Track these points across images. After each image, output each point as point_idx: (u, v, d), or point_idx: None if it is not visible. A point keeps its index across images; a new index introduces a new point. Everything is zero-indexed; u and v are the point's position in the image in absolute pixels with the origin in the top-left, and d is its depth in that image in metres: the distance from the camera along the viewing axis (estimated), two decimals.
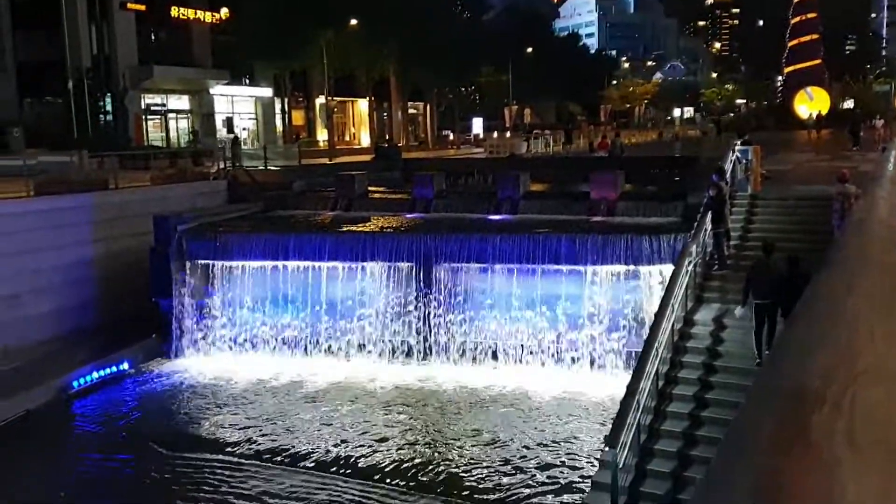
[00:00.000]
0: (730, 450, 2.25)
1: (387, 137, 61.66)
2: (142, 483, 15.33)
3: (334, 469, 15.40)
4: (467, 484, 14.55)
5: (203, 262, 22.64)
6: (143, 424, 18.32)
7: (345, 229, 23.16)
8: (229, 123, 53.51)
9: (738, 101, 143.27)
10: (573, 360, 19.94)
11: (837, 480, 1.64)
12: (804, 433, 1.88)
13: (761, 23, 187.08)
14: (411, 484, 14.62)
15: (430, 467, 15.29)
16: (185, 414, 18.71)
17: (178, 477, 15.40)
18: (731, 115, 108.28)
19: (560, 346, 20.07)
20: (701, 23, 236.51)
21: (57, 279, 22.32)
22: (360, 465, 15.51)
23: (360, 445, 16.41)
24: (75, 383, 19.77)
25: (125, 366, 21.25)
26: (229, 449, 16.50)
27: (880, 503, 1.55)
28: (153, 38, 49.30)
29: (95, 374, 20.33)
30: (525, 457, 15.54)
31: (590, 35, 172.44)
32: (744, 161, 21.36)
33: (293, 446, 16.50)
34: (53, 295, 22.21)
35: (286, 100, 59.04)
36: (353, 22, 50.44)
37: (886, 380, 2.35)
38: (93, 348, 21.36)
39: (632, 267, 19.35)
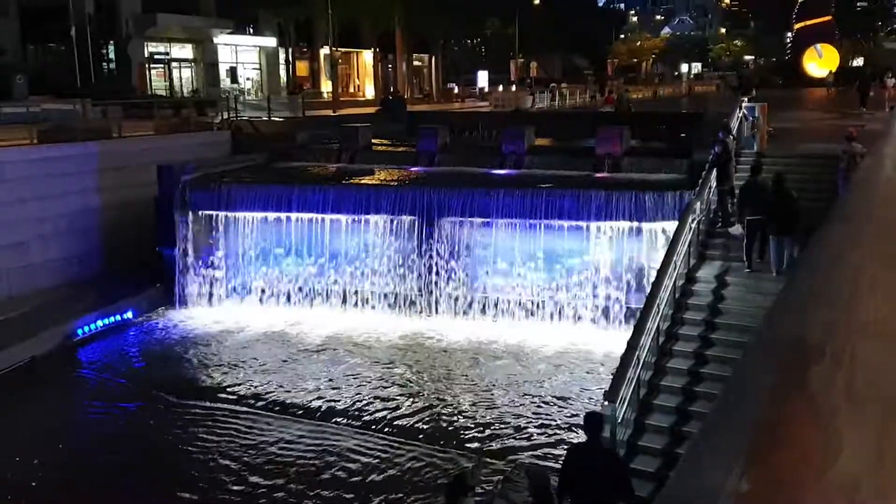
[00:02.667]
0: (728, 400, 2.28)
1: (392, 89, 61.13)
2: (144, 429, 15.51)
3: (335, 419, 15.58)
4: (467, 436, 14.71)
5: (207, 212, 22.64)
6: (145, 372, 18.49)
7: (348, 182, 23.12)
8: (233, 73, 53.08)
9: (747, 57, 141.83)
10: (575, 315, 20.02)
11: (833, 430, 1.66)
12: (803, 385, 1.91)
13: None
14: (411, 435, 14.79)
15: (431, 419, 15.46)
16: (188, 362, 18.87)
17: (181, 424, 15.58)
18: (737, 71, 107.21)
19: (562, 302, 20.14)
20: None
21: (62, 227, 22.38)
22: (360, 415, 15.68)
23: (361, 396, 16.57)
24: (80, 331, 19.94)
25: (129, 314, 21.40)
26: (231, 397, 16.68)
27: (874, 453, 1.58)
28: None
29: (100, 322, 20.49)
30: (524, 410, 15.70)
31: None
32: (750, 118, 21.26)
33: (295, 396, 16.67)
34: (59, 243, 22.30)
35: (290, 50, 58.47)
36: None
37: (886, 335, 2.37)
38: (97, 297, 21.48)
39: (635, 223, 19.32)
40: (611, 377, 11.88)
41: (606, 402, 11.17)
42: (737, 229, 15.84)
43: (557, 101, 52.81)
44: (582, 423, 9.80)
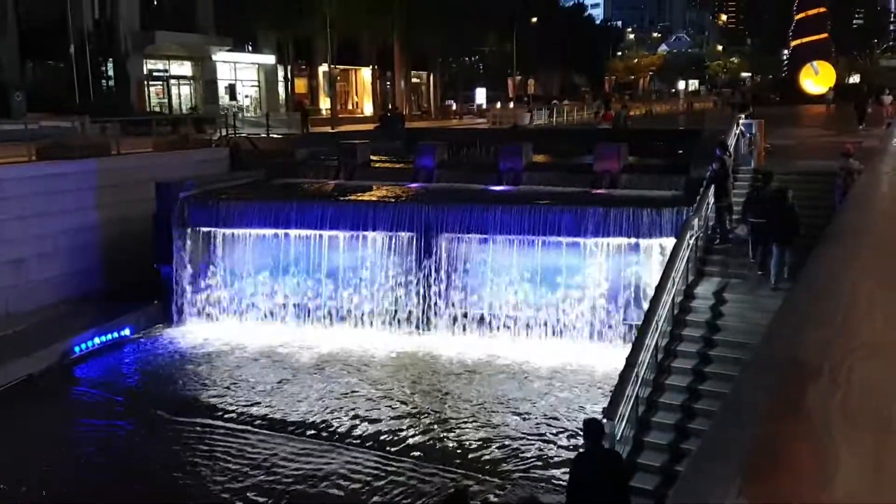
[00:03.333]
0: (726, 418, 2.28)
1: (390, 106, 61.29)
2: (139, 447, 15.44)
3: (331, 436, 15.51)
4: (463, 454, 14.65)
5: (204, 229, 22.63)
6: (142, 389, 18.44)
7: (346, 198, 23.16)
8: (232, 90, 53.21)
9: (744, 74, 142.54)
10: (572, 332, 19.99)
11: (830, 449, 1.66)
12: (799, 404, 1.91)
13: None
14: (407, 453, 14.72)
15: (427, 437, 15.40)
16: (185, 379, 18.81)
17: (177, 441, 15.51)
18: (737, 88, 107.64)
19: (559, 318, 20.11)
20: None
21: (61, 244, 22.35)
22: (357, 433, 15.61)
23: (358, 414, 16.50)
24: (77, 348, 19.88)
25: (126, 332, 21.35)
26: (228, 415, 16.61)
27: (870, 470, 1.58)
28: (155, 2, 48.84)
29: (97, 340, 20.43)
30: (522, 427, 15.64)
31: (595, 5, 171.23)
32: (747, 135, 21.34)
33: (291, 414, 16.61)
34: (57, 260, 22.26)
35: (289, 67, 58.63)
36: None
37: (883, 354, 2.37)
38: (95, 314, 21.44)
39: (633, 240, 19.35)
40: (609, 394, 11.85)
41: (606, 420, 11.15)
42: (741, 230, 16.47)
43: (555, 118, 52.95)
44: (582, 429, 9.84)
